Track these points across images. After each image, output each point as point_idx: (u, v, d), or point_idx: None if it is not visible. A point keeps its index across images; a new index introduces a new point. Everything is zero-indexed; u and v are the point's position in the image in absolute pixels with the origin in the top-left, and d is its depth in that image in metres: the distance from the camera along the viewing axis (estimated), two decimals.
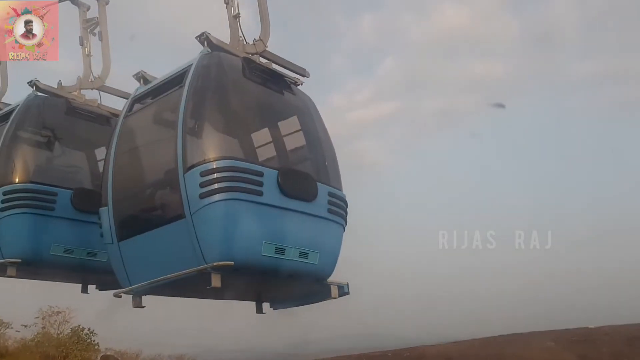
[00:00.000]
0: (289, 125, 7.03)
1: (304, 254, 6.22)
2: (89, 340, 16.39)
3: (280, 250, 5.98)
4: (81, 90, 8.98)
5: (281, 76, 7.10)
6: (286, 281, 6.56)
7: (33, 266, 7.54)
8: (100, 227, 6.58)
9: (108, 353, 17.08)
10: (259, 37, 7.49)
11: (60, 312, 16.02)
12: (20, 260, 7.36)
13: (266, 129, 6.76)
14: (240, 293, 7.27)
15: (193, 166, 5.72)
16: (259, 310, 7.41)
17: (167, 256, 5.99)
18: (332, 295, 6.69)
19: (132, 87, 7.41)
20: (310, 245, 6.29)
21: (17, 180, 7.57)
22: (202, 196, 5.60)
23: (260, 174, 5.86)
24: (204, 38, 6.61)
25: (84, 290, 8.59)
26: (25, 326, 14.88)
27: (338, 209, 6.70)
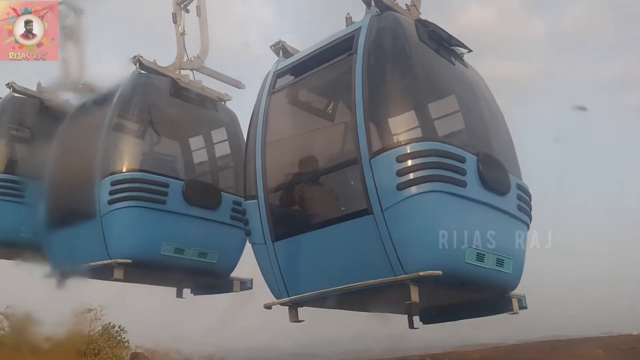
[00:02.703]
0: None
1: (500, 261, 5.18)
2: (119, 338, 17.39)
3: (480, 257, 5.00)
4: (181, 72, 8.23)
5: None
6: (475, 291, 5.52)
7: (142, 268, 6.86)
8: (246, 225, 5.74)
9: (138, 351, 18.14)
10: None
11: (92, 309, 17.05)
12: (130, 261, 6.66)
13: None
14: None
15: (382, 150, 4.77)
16: (411, 325, 6.42)
17: (343, 261, 5.04)
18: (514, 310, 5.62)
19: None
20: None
21: (124, 168, 6.87)
22: (400, 187, 4.62)
23: (463, 160, 4.86)
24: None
25: (179, 294, 8.10)
26: (57, 324, 16.06)
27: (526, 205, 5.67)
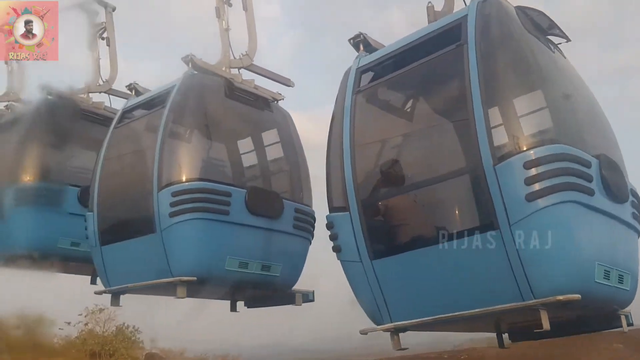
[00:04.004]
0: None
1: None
2: (133, 338, 17.11)
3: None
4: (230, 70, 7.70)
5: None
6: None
7: (205, 285, 6.40)
8: (334, 240, 5.35)
9: (153, 351, 17.82)
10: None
11: (105, 310, 16.75)
12: (195, 279, 6.15)
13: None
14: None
15: (507, 155, 4.37)
16: (501, 345, 6.23)
17: (458, 282, 4.68)
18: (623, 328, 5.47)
19: None
20: None
21: (185, 178, 6.37)
22: (530, 198, 4.26)
23: (589, 165, 4.54)
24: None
25: (233, 308, 7.71)
26: (69, 323, 15.77)
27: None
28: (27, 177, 8.44)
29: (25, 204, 8.27)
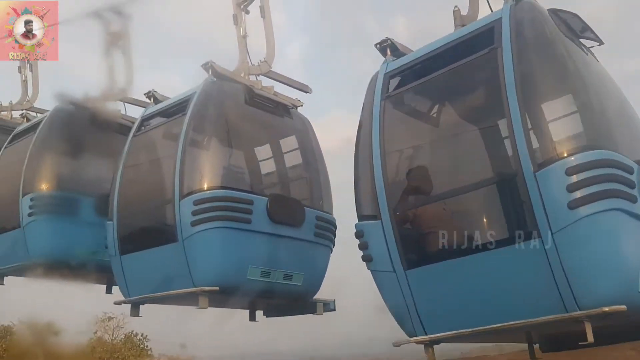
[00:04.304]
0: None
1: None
2: (142, 346, 17.08)
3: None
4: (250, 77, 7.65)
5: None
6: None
7: (227, 294, 6.31)
8: (364, 249, 5.28)
9: (161, 359, 17.77)
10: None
11: (113, 318, 16.73)
12: (217, 288, 6.03)
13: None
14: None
15: (549, 161, 4.25)
16: (533, 355, 6.17)
17: (496, 293, 4.55)
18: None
19: None
20: None
21: (206, 186, 6.23)
22: (573, 205, 4.17)
23: (632, 171, 4.45)
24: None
25: (252, 317, 7.70)
26: (79, 332, 15.79)
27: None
28: (44, 186, 8.38)
29: (42, 213, 8.20)
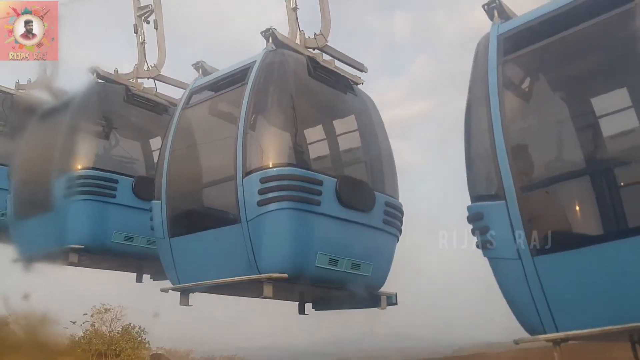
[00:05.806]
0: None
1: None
2: (139, 339, 16.63)
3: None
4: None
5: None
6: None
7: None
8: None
9: (159, 352, 17.30)
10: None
11: (110, 310, 16.29)
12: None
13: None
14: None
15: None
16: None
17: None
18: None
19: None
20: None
21: (272, 163, 6.23)
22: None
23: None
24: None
25: (301, 310, 7.55)
26: (74, 323, 15.26)
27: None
28: (78, 166, 7.78)
29: (77, 195, 7.59)
